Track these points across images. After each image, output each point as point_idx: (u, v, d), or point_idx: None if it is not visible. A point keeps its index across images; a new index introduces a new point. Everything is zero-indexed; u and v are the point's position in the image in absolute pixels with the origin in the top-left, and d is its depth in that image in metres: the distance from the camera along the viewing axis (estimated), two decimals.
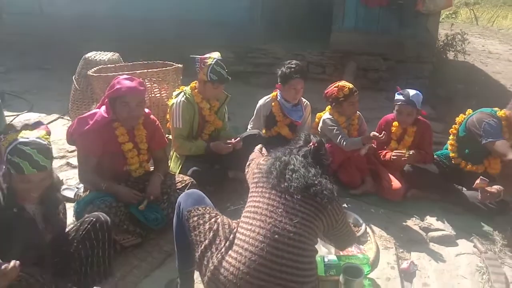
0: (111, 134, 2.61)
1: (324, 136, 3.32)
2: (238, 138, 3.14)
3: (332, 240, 2.11)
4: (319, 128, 3.47)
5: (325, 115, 3.44)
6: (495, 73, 8.51)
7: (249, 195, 1.96)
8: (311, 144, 1.99)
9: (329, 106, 3.47)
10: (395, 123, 3.35)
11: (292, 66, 3.39)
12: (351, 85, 3.33)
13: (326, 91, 3.41)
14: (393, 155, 3.17)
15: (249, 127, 3.62)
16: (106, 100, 2.58)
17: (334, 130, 3.28)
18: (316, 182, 1.82)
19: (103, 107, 2.58)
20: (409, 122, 3.26)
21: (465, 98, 5.54)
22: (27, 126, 1.88)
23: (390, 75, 6.24)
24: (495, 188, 2.74)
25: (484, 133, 2.93)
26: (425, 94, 3.32)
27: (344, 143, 3.22)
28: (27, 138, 1.80)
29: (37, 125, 1.92)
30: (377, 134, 3.13)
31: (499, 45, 11.83)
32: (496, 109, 3.11)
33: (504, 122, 3.01)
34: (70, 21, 6.85)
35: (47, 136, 1.89)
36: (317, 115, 3.60)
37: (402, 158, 3.13)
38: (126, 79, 2.59)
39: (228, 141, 3.10)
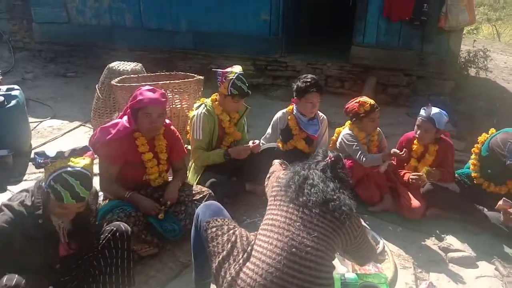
0: (132, 144, 2.66)
1: (343, 151, 3.31)
2: (257, 142, 3.18)
3: (351, 255, 2.08)
4: (337, 144, 3.46)
5: (345, 130, 3.43)
6: None
7: (267, 208, 1.97)
8: (328, 158, 2.00)
9: (349, 121, 3.46)
10: (416, 141, 3.32)
11: (308, 80, 3.40)
12: (372, 101, 3.32)
13: (346, 106, 3.41)
14: (412, 178, 3.14)
15: (262, 140, 3.61)
16: (129, 110, 2.63)
17: (354, 146, 3.27)
18: (335, 197, 1.82)
19: (125, 117, 2.64)
20: (427, 139, 3.22)
21: (486, 115, 5.46)
22: (75, 152, 1.90)
23: (410, 91, 6.19)
24: None
25: (508, 154, 2.88)
26: (446, 111, 3.28)
27: (364, 159, 3.19)
28: (73, 168, 1.83)
29: (83, 150, 1.94)
30: (398, 151, 3.10)
31: None
32: None
33: None
34: (96, 30, 7.03)
35: (91, 165, 1.93)
36: (336, 130, 3.60)
37: (419, 182, 3.09)
38: (148, 90, 2.64)
39: (246, 144, 3.14)
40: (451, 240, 2.89)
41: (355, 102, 3.34)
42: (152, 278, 2.42)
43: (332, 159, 1.99)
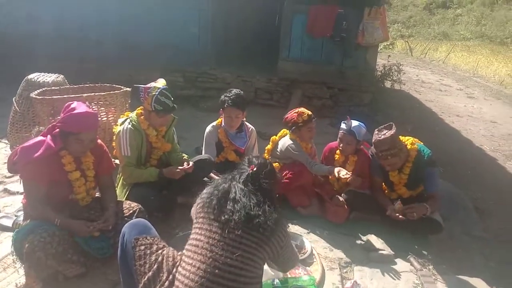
0: (57, 162, 2.51)
1: (285, 158, 3.44)
2: (191, 164, 3.13)
3: (276, 264, 2.09)
4: (278, 151, 3.54)
5: (286, 139, 3.53)
6: (428, 101, 9.23)
7: (193, 225, 1.92)
8: (249, 169, 1.97)
9: (285, 130, 3.61)
10: (338, 151, 3.55)
11: (229, 95, 3.49)
12: (309, 112, 3.50)
13: (286, 116, 3.55)
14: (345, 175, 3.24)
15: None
16: (57, 131, 2.46)
17: (301, 154, 3.42)
18: (260, 212, 1.79)
19: (49, 136, 2.46)
20: (349, 151, 3.45)
21: (401, 123, 5.95)
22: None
23: (333, 103, 6.58)
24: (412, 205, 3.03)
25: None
26: (365, 121, 3.54)
27: (313, 166, 3.36)
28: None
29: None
30: (346, 172, 3.20)
31: (431, 75, 12.86)
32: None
33: None
34: (13, 41, 6.57)
35: None
36: (271, 138, 3.69)
37: (349, 179, 3.27)
38: (80, 113, 2.45)
39: (180, 167, 3.08)
40: (372, 240, 3.10)
41: (294, 113, 3.49)
42: None
43: (254, 169, 1.96)
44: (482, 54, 17.17)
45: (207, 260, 1.73)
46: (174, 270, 1.79)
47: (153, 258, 1.85)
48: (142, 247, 1.89)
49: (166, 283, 1.76)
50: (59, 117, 2.51)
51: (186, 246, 1.86)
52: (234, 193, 1.85)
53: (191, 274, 1.72)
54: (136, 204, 2.77)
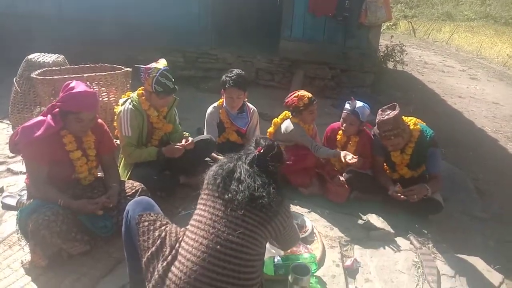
0: (58, 142, 2.51)
1: (287, 141, 3.43)
2: (190, 140, 3.13)
3: (278, 242, 2.12)
4: (282, 133, 3.51)
5: (288, 122, 3.49)
6: (430, 82, 9.17)
7: (198, 201, 1.95)
8: (256, 150, 1.97)
9: (286, 112, 3.57)
10: (340, 132, 3.54)
11: (230, 75, 3.46)
12: (310, 95, 3.45)
13: (286, 100, 3.50)
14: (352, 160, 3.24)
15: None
16: (57, 109, 2.46)
17: (306, 137, 3.42)
18: (264, 193, 1.80)
19: (50, 116, 2.46)
20: (352, 131, 3.45)
21: (404, 105, 5.93)
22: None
23: (335, 84, 6.54)
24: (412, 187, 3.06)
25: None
26: (367, 102, 3.53)
27: (318, 150, 3.36)
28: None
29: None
30: (352, 157, 3.21)
31: (434, 56, 12.73)
32: None
33: None
34: (12, 21, 6.50)
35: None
36: (273, 121, 3.65)
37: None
38: (80, 92, 2.44)
39: (179, 144, 3.08)
40: (372, 220, 3.13)
41: (294, 97, 3.44)
42: (85, 275, 2.35)
43: (261, 151, 1.96)
44: (486, 35, 16.95)
45: (210, 236, 1.75)
46: (177, 245, 1.81)
47: (156, 233, 1.87)
48: (146, 223, 1.91)
49: (169, 258, 1.78)
50: (58, 97, 2.51)
51: (190, 222, 1.88)
52: (239, 173, 1.86)
53: (193, 249, 1.75)
54: (138, 183, 2.79)
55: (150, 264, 1.81)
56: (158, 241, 1.84)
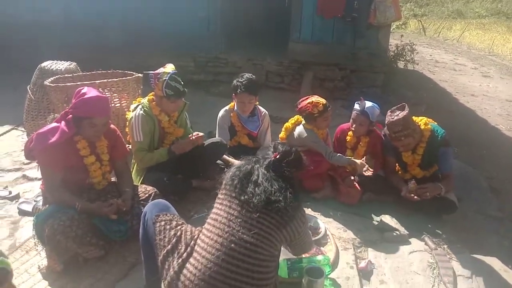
0: (72, 148, 2.55)
1: (303, 146, 3.35)
2: (199, 134, 3.15)
3: (291, 247, 2.09)
4: (295, 138, 3.47)
5: (302, 129, 3.45)
6: (441, 81, 9.07)
7: (215, 201, 1.98)
8: (272, 156, 1.98)
9: (299, 117, 3.53)
10: (350, 133, 3.53)
11: (241, 80, 3.45)
12: (324, 101, 3.40)
13: (300, 106, 3.43)
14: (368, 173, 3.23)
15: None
16: (70, 116, 2.50)
17: (320, 144, 3.40)
18: (280, 198, 1.80)
19: (63, 122, 2.50)
20: (362, 132, 3.43)
21: (415, 105, 5.88)
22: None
23: (345, 84, 6.51)
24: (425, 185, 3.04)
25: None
26: (377, 102, 3.51)
27: (332, 157, 3.35)
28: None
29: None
30: (367, 168, 3.21)
31: (445, 55, 12.59)
32: None
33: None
34: (19, 29, 6.61)
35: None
36: (285, 126, 3.61)
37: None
38: (92, 98, 2.49)
39: (188, 137, 3.12)
40: (386, 221, 3.11)
41: (308, 103, 3.37)
42: (100, 280, 2.38)
43: (277, 157, 1.96)
44: (498, 31, 16.71)
45: (224, 234, 1.78)
46: (193, 243, 1.85)
47: (172, 232, 1.91)
48: (163, 223, 1.96)
49: (184, 255, 1.81)
50: (71, 103, 2.55)
51: (207, 221, 1.91)
52: (257, 176, 1.87)
53: (208, 247, 1.78)
54: (151, 188, 2.82)
55: (165, 262, 1.85)
56: (174, 239, 1.88)
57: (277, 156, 1.96)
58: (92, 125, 2.51)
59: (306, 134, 3.41)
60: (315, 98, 3.43)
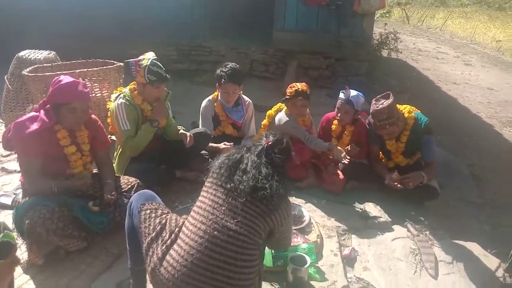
0: (52, 137, 2.50)
1: (284, 134, 3.38)
2: (189, 136, 3.15)
3: (269, 241, 1.99)
4: (276, 123, 3.48)
5: (282, 115, 3.47)
6: (425, 70, 9.17)
7: (202, 189, 1.97)
8: (264, 143, 1.98)
9: (282, 105, 3.54)
10: (335, 122, 3.53)
11: (224, 70, 3.42)
12: (300, 88, 3.38)
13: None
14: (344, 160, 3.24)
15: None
16: (48, 105, 2.45)
17: (299, 129, 3.40)
18: (266, 185, 1.80)
19: (42, 111, 2.45)
20: (347, 120, 3.44)
21: (399, 93, 5.93)
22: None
23: (330, 73, 6.51)
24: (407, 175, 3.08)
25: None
26: (362, 90, 3.51)
27: (311, 142, 3.35)
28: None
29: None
30: (344, 155, 3.21)
31: (428, 43, 12.71)
32: None
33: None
34: (6, 16, 6.41)
35: None
36: (267, 113, 3.63)
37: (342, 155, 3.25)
38: (68, 83, 2.45)
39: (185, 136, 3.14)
40: (369, 209, 3.15)
41: (289, 85, 3.44)
42: (83, 272, 2.34)
43: (269, 143, 1.97)
44: (480, 20, 16.92)
45: (208, 221, 1.78)
46: (177, 230, 1.84)
47: (157, 220, 1.90)
48: (148, 211, 1.95)
49: (168, 242, 1.81)
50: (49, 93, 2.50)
51: (193, 208, 1.91)
52: (246, 164, 1.88)
53: (192, 234, 1.78)
54: (134, 179, 2.79)
55: (149, 249, 1.84)
56: (159, 227, 1.87)
57: (269, 143, 1.97)
58: (72, 110, 2.46)
59: (286, 120, 3.41)
60: (297, 83, 3.45)
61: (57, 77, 2.51)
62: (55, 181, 2.45)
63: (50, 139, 2.49)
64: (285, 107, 3.50)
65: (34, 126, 2.37)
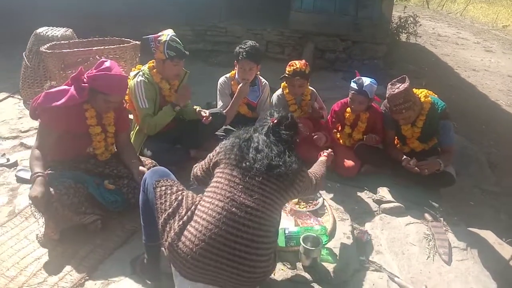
0: (80, 114, 2.51)
1: None
2: (209, 118, 3.16)
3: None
4: (273, 103, 3.54)
5: (275, 94, 3.57)
6: (443, 55, 8.96)
7: (214, 172, 1.99)
8: (270, 120, 2.03)
9: (283, 84, 3.57)
10: (348, 109, 3.46)
11: (244, 46, 3.39)
12: (299, 67, 3.35)
13: None
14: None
15: (219, 107, 3.58)
16: (86, 85, 2.44)
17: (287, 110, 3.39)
18: (280, 163, 1.87)
19: (74, 86, 2.43)
20: (361, 110, 3.38)
21: (416, 78, 5.83)
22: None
23: (346, 56, 6.40)
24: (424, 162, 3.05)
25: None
26: (378, 75, 3.45)
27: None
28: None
29: None
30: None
31: (448, 28, 12.39)
32: None
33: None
34: None
35: None
36: (274, 94, 3.66)
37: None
38: (117, 77, 2.45)
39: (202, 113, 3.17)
40: (383, 193, 3.13)
41: (290, 63, 3.44)
42: (100, 246, 2.39)
43: (275, 121, 2.02)
44: (503, 5, 16.39)
45: (225, 199, 1.81)
46: (193, 207, 1.86)
47: (173, 197, 1.92)
48: (163, 188, 1.96)
49: (185, 218, 1.83)
50: (90, 71, 2.48)
51: (207, 189, 1.93)
52: (257, 142, 1.92)
53: (209, 210, 1.80)
54: (150, 161, 2.79)
55: (166, 224, 1.86)
56: (175, 203, 1.89)
57: (275, 121, 2.02)
58: (107, 101, 2.49)
59: (275, 100, 3.49)
60: (297, 61, 3.42)
61: (104, 60, 2.50)
62: (39, 173, 2.25)
63: (76, 115, 2.50)
64: (283, 85, 3.54)
65: (63, 100, 2.38)
